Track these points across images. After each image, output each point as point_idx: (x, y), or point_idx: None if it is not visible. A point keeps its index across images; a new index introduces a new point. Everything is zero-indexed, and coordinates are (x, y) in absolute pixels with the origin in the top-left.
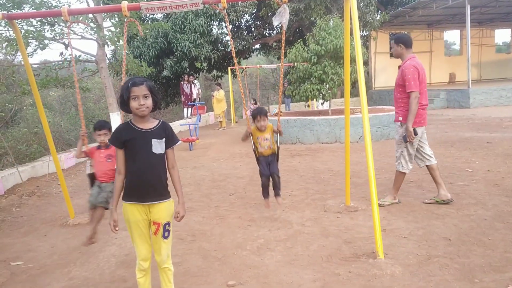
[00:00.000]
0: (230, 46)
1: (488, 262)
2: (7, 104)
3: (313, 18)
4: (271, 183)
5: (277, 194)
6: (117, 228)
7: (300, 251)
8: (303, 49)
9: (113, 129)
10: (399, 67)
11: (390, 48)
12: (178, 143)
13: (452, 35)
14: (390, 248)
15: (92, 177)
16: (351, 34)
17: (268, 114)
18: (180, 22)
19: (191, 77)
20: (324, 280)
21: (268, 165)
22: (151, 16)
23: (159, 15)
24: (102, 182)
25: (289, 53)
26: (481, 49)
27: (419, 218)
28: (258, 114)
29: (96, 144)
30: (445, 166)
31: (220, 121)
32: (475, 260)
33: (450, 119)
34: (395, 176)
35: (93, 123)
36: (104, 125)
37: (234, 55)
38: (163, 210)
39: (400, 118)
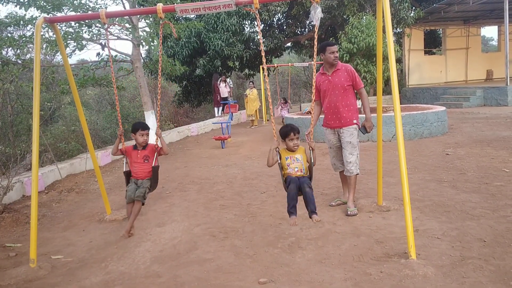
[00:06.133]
0: (264, 45)
1: None
2: (46, 103)
3: (346, 16)
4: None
5: (312, 211)
6: None
7: (331, 250)
8: None
9: (149, 126)
10: (334, 72)
11: (425, 45)
12: None
13: (490, 31)
14: (422, 249)
15: (128, 175)
16: (384, 31)
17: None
18: (212, 21)
19: (222, 76)
20: (355, 279)
21: (297, 188)
22: (184, 16)
23: (192, 15)
24: (138, 179)
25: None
26: None
27: (453, 218)
28: (291, 131)
29: (131, 144)
30: (481, 166)
31: (252, 120)
32: (511, 263)
33: (486, 117)
34: (351, 181)
35: (128, 121)
36: (147, 126)
37: (263, 56)
38: None
39: (355, 121)
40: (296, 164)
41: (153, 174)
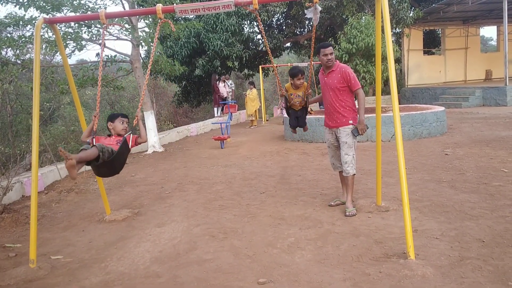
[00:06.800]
0: (264, 45)
1: None
2: (45, 103)
3: (345, 16)
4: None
5: (302, 126)
6: None
7: (331, 250)
8: (334, 47)
9: (148, 126)
10: (329, 73)
11: (424, 45)
12: None
13: (489, 31)
14: (421, 249)
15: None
16: (383, 31)
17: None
18: (212, 21)
19: (224, 76)
20: (354, 279)
21: (296, 119)
22: (184, 16)
23: (191, 16)
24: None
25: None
26: None
27: (451, 219)
28: (299, 72)
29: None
30: (480, 166)
31: (252, 120)
32: (510, 263)
33: (485, 117)
34: (348, 182)
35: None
36: (126, 115)
37: (270, 53)
38: None
39: (351, 121)
40: (297, 99)
41: (120, 148)
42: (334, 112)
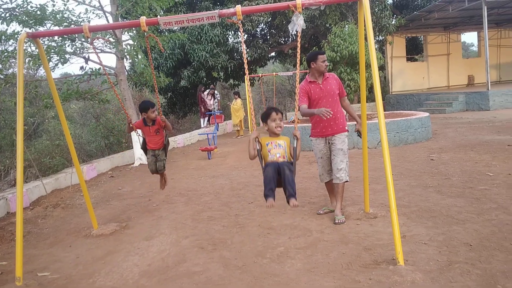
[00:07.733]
0: (248, 55)
1: (511, 268)
2: (29, 118)
3: (328, 25)
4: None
5: (290, 194)
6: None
7: (320, 259)
8: None
9: (134, 139)
10: (324, 80)
11: (407, 52)
12: None
13: (470, 37)
14: (410, 255)
15: (144, 147)
16: (366, 39)
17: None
18: (196, 32)
19: (211, 89)
20: (344, 287)
21: (278, 174)
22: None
23: (176, 27)
24: (154, 150)
25: (304, 60)
26: (500, 50)
27: (439, 223)
28: (273, 110)
29: (138, 121)
30: (465, 170)
31: (238, 130)
32: (497, 266)
33: (469, 122)
34: (339, 189)
35: (113, 134)
36: (153, 103)
37: (246, 67)
38: None
39: (347, 127)
40: (278, 150)
41: (165, 146)
42: (334, 118)
